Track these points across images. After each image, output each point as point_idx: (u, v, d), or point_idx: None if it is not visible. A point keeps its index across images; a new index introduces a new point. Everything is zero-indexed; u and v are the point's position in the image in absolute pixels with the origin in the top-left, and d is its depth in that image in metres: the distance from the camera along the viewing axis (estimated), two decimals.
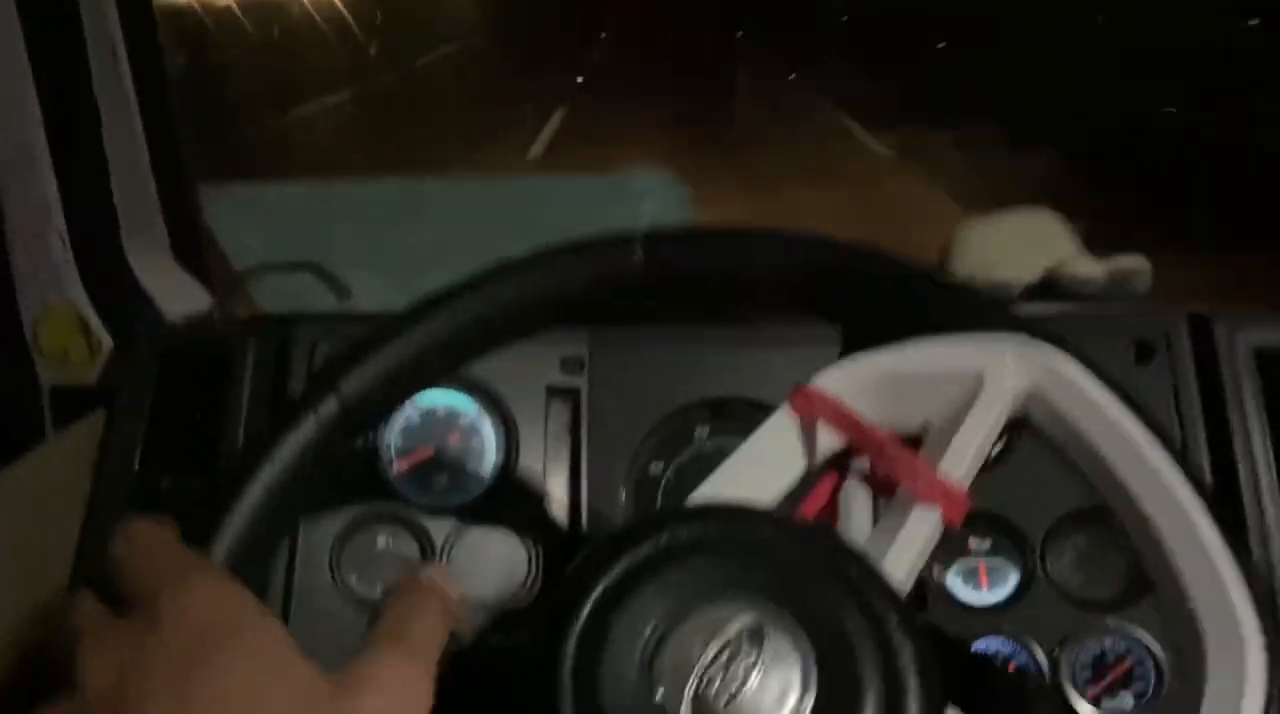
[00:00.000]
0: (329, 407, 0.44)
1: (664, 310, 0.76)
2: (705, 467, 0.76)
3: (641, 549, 0.38)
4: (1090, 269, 0.78)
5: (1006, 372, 0.40)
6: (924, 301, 0.44)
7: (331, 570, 0.73)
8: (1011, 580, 0.72)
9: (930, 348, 0.42)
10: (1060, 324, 0.76)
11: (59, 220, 0.76)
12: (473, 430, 0.77)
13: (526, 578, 0.74)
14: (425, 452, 0.76)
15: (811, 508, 0.45)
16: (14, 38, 0.72)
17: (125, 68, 0.82)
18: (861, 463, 0.44)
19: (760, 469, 0.43)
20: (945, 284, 0.45)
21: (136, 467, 0.73)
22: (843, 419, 0.41)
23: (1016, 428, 0.41)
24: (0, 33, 0.72)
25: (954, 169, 4.63)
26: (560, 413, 0.77)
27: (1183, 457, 0.38)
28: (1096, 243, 0.89)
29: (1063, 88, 5.84)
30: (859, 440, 0.41)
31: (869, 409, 0.42)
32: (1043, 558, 0.71)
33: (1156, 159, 4.47)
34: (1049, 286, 0.80)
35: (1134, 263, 0.79)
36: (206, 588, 0.36)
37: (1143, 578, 0.69)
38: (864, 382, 0.42)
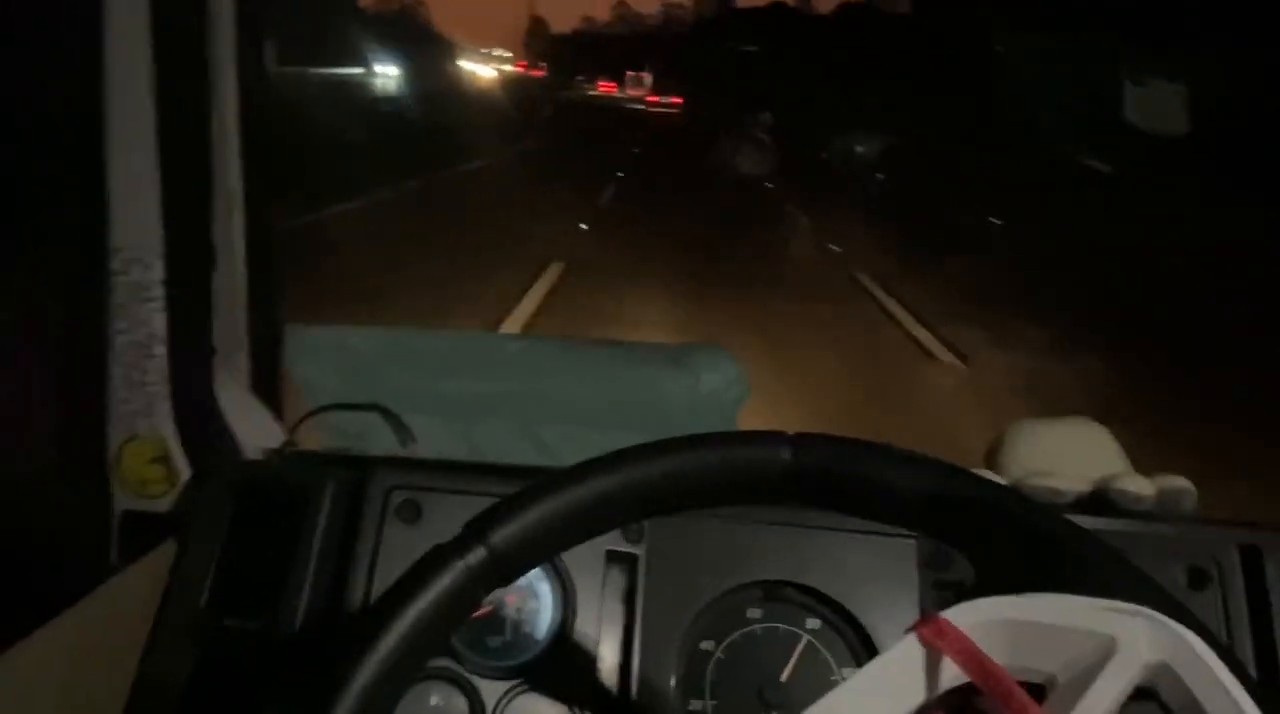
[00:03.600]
0: (477, 556, 0.46)
1: None
2: (754, 648, 0.78)
3: None
4: (1141, 487, 0.80)
5: (1141, 642, 0.42)
6: (1070, 558, 0.46)
7: None
8: None
9: (1069, 604, 0.43)
10: (1115, 542, 0.79)
11: (161, 354, 0.79)
12: (531, 592, 0.78)
13: None
14: (483, 610, 0.77)
15: None
16: (152, 183, 0.77)
17: (240, 207, 0.87)
18: (982, 704, 0.45)
19: (879, 695, 0.43)
20: (1094, 544, 0.46)
21: (204, 603, 0.74)
22: (972, 659, 0.42)
23: (1141, 699, 0.43)
24: (138, 175, 0.77)
25: (997, 367, 4.65)
26: (617, 580, 0.78)
27: None
28: (1138, 457, 0.92)
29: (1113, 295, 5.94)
30: (986, 683, 0.42)
31: (995, 652, 0.43)
32: None
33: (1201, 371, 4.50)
34: (1099, 500, 0.82)
35: (1181, 484, 0.81)
36: None
37: None
38: (996, 623, 0.43)
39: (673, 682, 0.76)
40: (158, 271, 0.78)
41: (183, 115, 0.79)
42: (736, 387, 1.02)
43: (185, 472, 0.82)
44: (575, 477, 0.49)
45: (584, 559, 0.78)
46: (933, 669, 0.43)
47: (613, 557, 0.79)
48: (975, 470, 0.50)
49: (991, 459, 0.92)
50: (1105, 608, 0.43)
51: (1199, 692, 0.41)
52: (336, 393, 1.02)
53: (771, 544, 0.78)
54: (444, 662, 0.75)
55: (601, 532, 0.51)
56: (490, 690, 0.74)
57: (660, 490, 0.50)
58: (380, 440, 1.00)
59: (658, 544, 0.78)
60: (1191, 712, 0.41)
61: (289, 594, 0.75)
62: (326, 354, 1.03)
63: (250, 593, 0.75)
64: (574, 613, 0.77)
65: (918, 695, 0.43)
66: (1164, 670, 0.42)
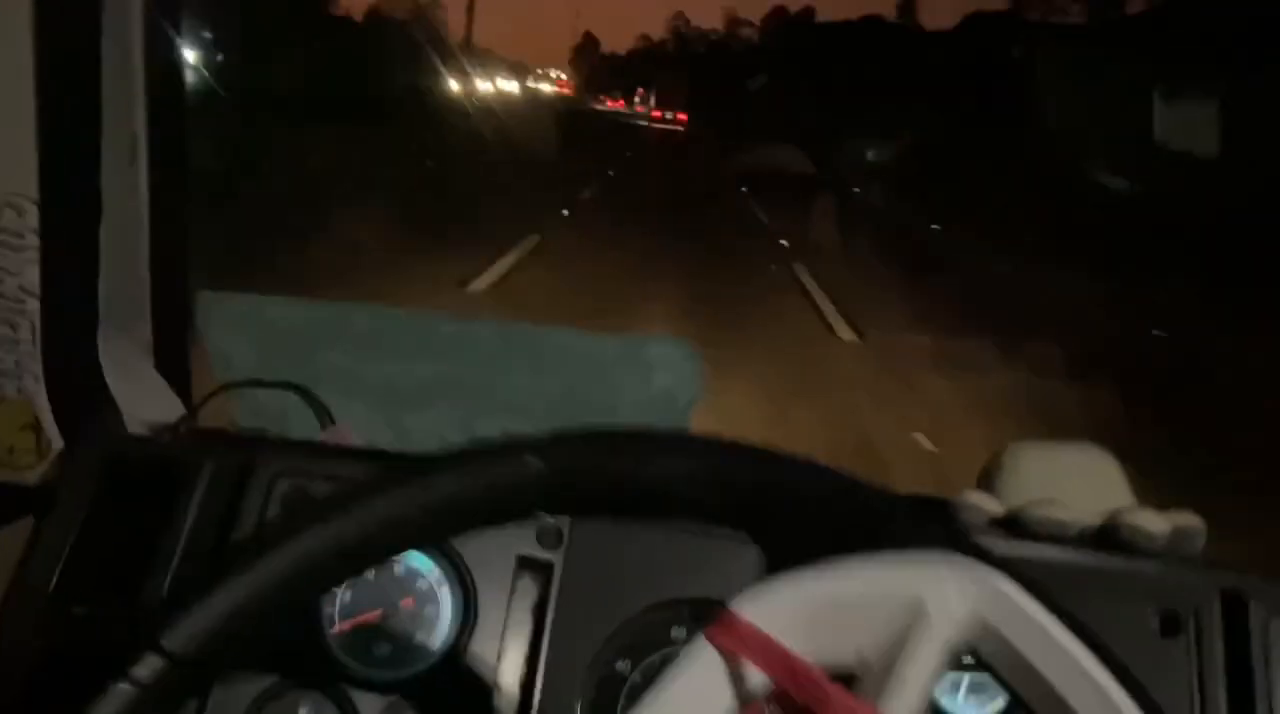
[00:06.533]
0: (150, 666, 0.37)
1: None
2: None
3: None
4: (1155, 523, 0.71)
5: (949, 597, 0.36)
6: (855, 515, 0.40)
7: None
8: (999, 700, 0.66)
9: (862, 569, 0.37)
10: (1086, 579, 0.69)
11: (33, 308, 0.71)
12: (429, 596, 0.70)
13: None
14: (371, 614, 0.69)
15: None
16: (28, 108, 0.69)
17: (144, 158, 0.79)
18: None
19: (681, 711, 0.36)
20: (874, 495, 0.40)
21: (52, 587, 0.66)
22: (768, 655, 0.35)
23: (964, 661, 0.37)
24: (12, 101, 0.69)
25: (990, 385, 4.46)
26: (528, 588, 0.70)
27: (1141, 693, 0.34)
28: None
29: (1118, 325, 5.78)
30: (788, 680, 0.35)
31: (796, 638, 0.36)
32: None
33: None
34: (1108, 535, 0.73)
35: (1192, 521, 0.72)
36: None
37: None
38: (789, 606, 0.37)
39: (579, 707, 0.67)
40: (32, 218, 0.70)
41: (69, 47, 0.71)
42: (690, 386, 0.93)
43: (58, 443, 0.74)
44: (267, 551, 0.40)
45: (492, 562, 0.70)
46: (735, 671, 0.36)
47: (524, 563, 0.70)
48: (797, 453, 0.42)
49: (987, 481, 0.82)
50: (903, 563, 0.37)
51: (1018, 641, 0.35)
52: (256, 369, 0.94)
53: (705, 557, 0.70)
54: (319, 670, 0.66)
55: (330, 587, 0.42)
56: (368, 704, 0.66)
57: (381, 538, 0.41)
58: (302, 424, 0.91)
59: (577, 551, 0.70)
60: (1015, 664, 0.36)
61: (151, 582, 0.67)
62: (245, 326, 0.95)
63: (108, 580, 0.67)
64: (475, 623, 0.69)
65: (724, 703, 0.36)
66: (978, 623, 0.36)
